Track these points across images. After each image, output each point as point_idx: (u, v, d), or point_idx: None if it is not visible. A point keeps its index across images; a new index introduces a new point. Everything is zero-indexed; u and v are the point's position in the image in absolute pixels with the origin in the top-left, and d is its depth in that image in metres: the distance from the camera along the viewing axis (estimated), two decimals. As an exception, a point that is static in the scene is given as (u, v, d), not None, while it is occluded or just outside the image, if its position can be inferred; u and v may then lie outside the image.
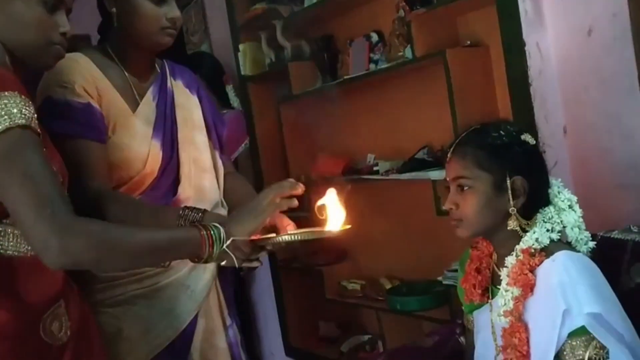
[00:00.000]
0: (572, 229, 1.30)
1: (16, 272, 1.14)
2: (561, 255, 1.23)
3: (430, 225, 2.36)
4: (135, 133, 1.51)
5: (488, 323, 1.35)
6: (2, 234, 1.14)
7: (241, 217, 1.30)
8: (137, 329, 1.50)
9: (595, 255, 1.30)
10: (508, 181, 1.28)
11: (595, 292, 1.18)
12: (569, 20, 1.82)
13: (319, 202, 1.34)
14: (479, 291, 1.39)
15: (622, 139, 1.75)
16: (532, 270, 1.25)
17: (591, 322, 1.15)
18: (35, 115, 1.11)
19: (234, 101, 3.02)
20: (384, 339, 2.58)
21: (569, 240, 1.31)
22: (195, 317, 1.58)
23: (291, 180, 1.37)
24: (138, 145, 1.51)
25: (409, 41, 2.18)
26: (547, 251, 1.26)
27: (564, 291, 1.18)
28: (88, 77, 1.47)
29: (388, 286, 2.60)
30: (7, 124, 1.05)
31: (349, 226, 1.32)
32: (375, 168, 2.48)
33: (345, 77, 2.55)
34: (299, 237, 1.31)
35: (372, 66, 2.49)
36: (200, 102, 1.70)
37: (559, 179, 1.36)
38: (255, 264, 1.34)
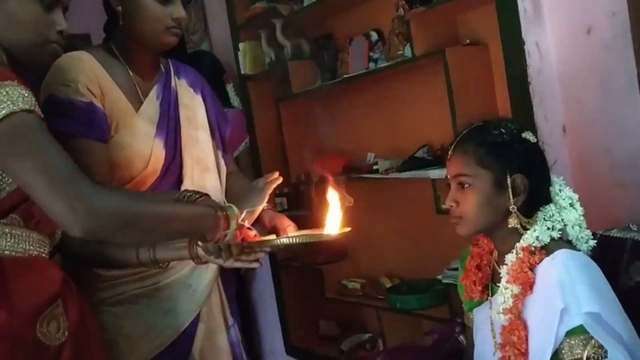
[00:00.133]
0: (572, 227, 1.30)
1: (13, 272, 1.14)
2: (561, 254, 1.23)
3: (430, 224, 2.37)
4: (138, 132, 1.51)
5: (487, 320, 1.36)
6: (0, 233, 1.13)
7: (245, 198, 1.35)
8: (138, 328, 1.50)
9: (595, 254, 1.30)
10: (508, 179, 1.28)
11: (595, 291, 1.18)
12: (569, 19, 1.82)
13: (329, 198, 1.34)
14: (479, 288, 1.39)
15: (621, 138, 1.75)
16: (532, 268, 1.25)
17: (589, 322, 1.15)
18: (37, 105, 1.12)
19: (234, 100, 3.03)
20: (384, 337, 2.58)
21: (570, 238, 1.31)
22: (197, 316, 1.57)
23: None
24: (140, 144, 1.51)
25: (408, 40, 2.18)
26: (547, 249, 1.26)
27: (563, 290, 1.18)
28: (91, 76, 1.47)
29: (388, 285, 2.61)
30: (10, 108, 1.05)
31: (348, 229, 1.32)
32: (375, 167, 2.48)
33: (345, 75, 2.55)
34: (298, 240, 1.31)
35: (372, 65, 2.49)
36: (204, 101, 1.70)
37: (561, 177, 1.36)
38: (254, 264, 1.34)
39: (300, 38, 2.80)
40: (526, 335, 1.23)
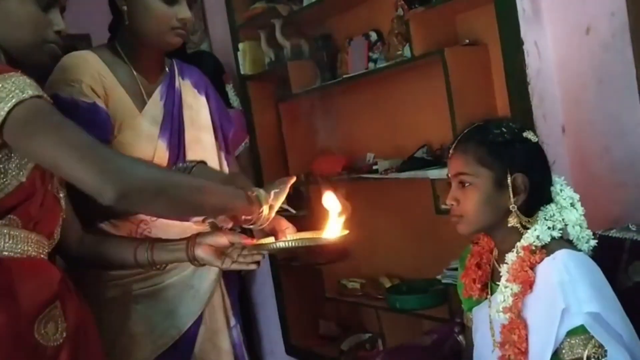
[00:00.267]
0: (573, 227, 1.30)
1: (11, 273, 1.13)
2: (562, 254, 1.23)
3: (429, 224, 2.37)
4: (141, 133, 1.51)
5: (487, 319, 1.36)
6: None
7: (268, 187, 1.34)
8: (141, 328, 1.50)
9: (593, 254, 1.30)
10: (509, 178, 1.28)
11: (595, 291, 1.18)
12: (567, 19, 1.82)
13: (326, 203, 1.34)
14: (479, 286, 1.39)
15: (620, 138, 1.75)
16: (532, 268, 1.25)
17: (590, 322, 1.16)
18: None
19: (234, 100, 3.03)
20: (383, 337, 2.58)
21: (571, 238, 1.31)
22: (199, 317, 1.58)
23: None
24: (144, 145, 1.51)
25: (407, 40, 2.18)
26: (547, 249, 1.26)
27: (564, 290, 1.18)
28: (96, 76, 1.47)
29: (388, 285, 2.61)
30: (20, 96, 1.05)
31: (346, 232, 1.32)
32: (374, 167, 2.48)
33: (345, 76, 2.55)
34: (296, 244, 1.31)
35: (371, 65, 2.49)
36: (208, 101, 1.70)
37: (562, 177, 1.36)
38: (251, 267, 1.34)
39: (299, 38, 2.80)
40: (526, 334, 1.23)
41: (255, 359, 3.31)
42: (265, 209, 1.28)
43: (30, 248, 1.18)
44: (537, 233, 1.27)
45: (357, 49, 2.59)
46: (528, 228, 1.29)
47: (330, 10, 2.64)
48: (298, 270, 2.99)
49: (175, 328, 1.53)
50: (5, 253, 1.14)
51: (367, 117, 2.69)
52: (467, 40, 2.15)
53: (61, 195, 1.28)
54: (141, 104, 1.53)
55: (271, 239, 1.37)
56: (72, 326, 1.18)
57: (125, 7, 1.48)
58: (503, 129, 1.32)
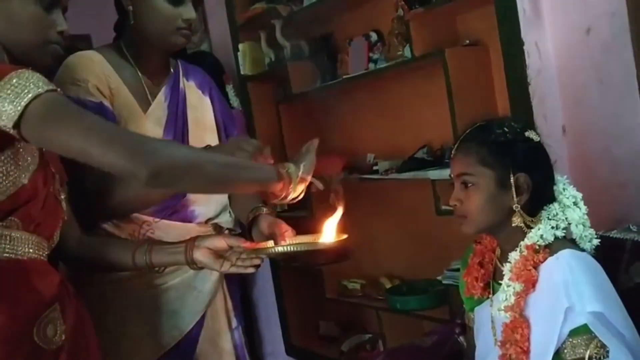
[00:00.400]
0: (576, 226, 1.30)
1: (11, 275, 1.13)
2: (565, 254, 1.23)
3: (429, 224, 2.37)
4: (145, 133, 1.50)
5: (488, 319, 1.36)
6: None
7: (296, 159, 1.33)
8: (143, 329, 1.50)
9: (595, 254, 1.30)
10: (512, 178, 1.28)
11: (598, 291, 1.18)
12: (568, 20, 1.81)
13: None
14: (481, 284, 1.39)
15: (620, 138, 1.75)
16: (536, 267, 1.25)
17: (593, 321, 1.16)
18: None
19: (234, 101, 3.02)
20: (384, 338, 2.58)
21: (574, 237, 1.31)
22: (202, 318, 1.58)
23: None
24: None
25: (408, 40, 2.18)
26: (551, 248, 1.26)
27: (567, 289, 1.18)
28: (101, 76, 1.47)
29: (388, 285, 2.61)
30: (36, 91, 1.05)
31: (344, 236, 1.31)
32: (374, 167, 2.48)
33: (345, 76, 2.55)
34: (295, 249, 1.31)
35: (372, 65, 2.48)
36: (212, 102, 1.70)
37: (565, 176, 1.36)
38: (249, 270, 1.34)
39: (299, 39, 2.80)
40: (529, 334, 1.23)
41: (256, 359, 3.30)
42: (295, 183, 1.28)
43: (30, 250, 1.17)
44: (540, 232, 1.27)
45: (357, 50, 2.58)
46: (531, 227, 1.29)
47: (330, 10, 2.64)
48: (298, 271, 2.99)
49: (178, 329, 1.53)
50: (6, 255, 1.14)
51: (367, 118, 2.69)
52: (468, 41, 2.15)
53: (62, 197, 1.27)
54: (146, 105, 1.53)
55: (270, 243, 1.37)
56: (70, 329, 1.18)
57: (130, 7, 1.48)
58: (505, 129, 1.32)
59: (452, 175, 1.37)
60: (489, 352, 1.34)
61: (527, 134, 1.32)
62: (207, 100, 1.68)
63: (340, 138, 2.77)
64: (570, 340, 1.18)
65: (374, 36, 2.52)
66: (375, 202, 2.60)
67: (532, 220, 1.30)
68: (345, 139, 2.77)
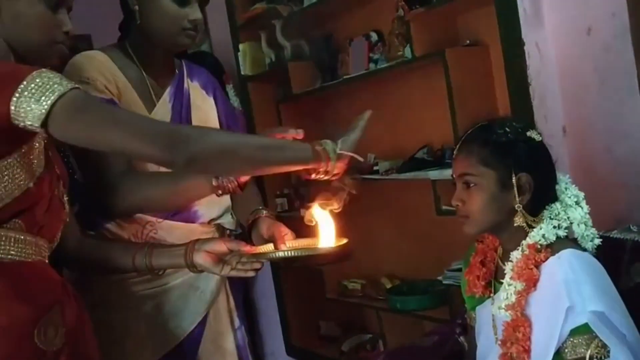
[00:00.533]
0: (578, 225, 1.31)
1: (15, 277, 1.13)
2: (567, 253, 1.23)
3: (430, 224, 2.37)
4: None
5: (489, 318, 1.36)
6: (3, 238, 1.12)
7: (342, 135, 1.35)
8: (146, 329, 1.50)
9: (596, 254, 1.30)
10: (513, 178, 1.28)
11: (600, 290, 1.19)
12: (568, 20, 1.81)
13: (311, 214, 1.33)
14: (482, 283, 1.39)
15: (621, 138, 1.75)
16: (537, 266, 1.25)
17: (594, 320, 1.16)
18: None
19: (234, 101, 3.02)
20: (384, 338, 2.58)
21: (575, 236, 1.32)
22: (204, 318, 1.57)
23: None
24: None
25: (408, 41, 2.18)
26: (553, 248, 1.26)
27: (569, 288, 1.18)
28: (108, 75, 1.47)
29: (388, 285, 2.61)
30: (61, 90, 1.06)
31: (344, 241, 1.31)
32: (375, 167, 2.47)
33: (345, 76, 2.55)
34: (295, 254, 1.31)
35: (372, 66, 2.48)
36: (216, 103, 1.69)
37: (567, 175, 1.36)
38: (249, 274, 1.34)
39: (300, 39, 2.80)
40: (530, 332, 1.23)
41: (256, 359, 3.31)
42: (332, 164, 1.27)
43: (33, 252, 1.17)
44: (542, 232, 1.27)
45: (357, 50, 2.58)
46: (533, 227, 1.29)
47: (330, 10, 2.64)
48: (299, 271, 2.99)
49: (181, 329, 1.53)
50: (10, 257, 1.13)
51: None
52: (468, 41, 2.15)
53: (65, 198, 1.27)
54: (150, 105, 1.53)
55: (270, 246, 1.37)
56: (70, 331, 1.17)
57: (136, 7, 1.47)
58: (507, 129, 1.32)
59: (454, 176, 1.37)
60: (490, 351, 1.35)
61: (528, 133, 1.32)
62: (211, 100, 1.68)
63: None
64: (571, 339, 1.18)
65: (374, 36, 2.52)
66: (375, 202, 2.60)
67: (534, 220, 1.30)
68: (346, 139, 2.76)
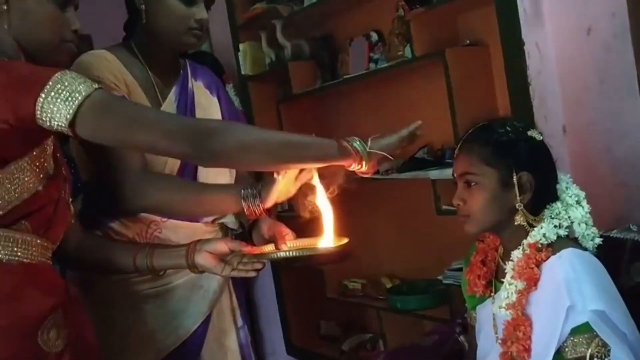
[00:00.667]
0: (579, 224, 1.31)
1: (20, 278, 1.13)
2: (567, 252, 1.23)
3: (430, 224, 2.37)
4: None
5: (490, 318, 1.36)
6: (10, 240, 1.12)
7: (378, 138, 1.35)
8: (149, 328, 1.50)
9: (597, 253, 1.31)
10: (514, 177, 1.29)
11: (600, 290, 1.19)
12: (568, 20, 1.81)
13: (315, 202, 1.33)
14: (483, 282, 1.40)
15: (621, 138, 1.75)
16: (538, 265, 1.25)
17: (595, 319, 1.16)
18: None
19: (234, 101, 3.02)
20: (384, 337, 2.58)
21: (576, 236, 1.32)
22: (208, 317, 1.57)
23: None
24: None
25: (408, 40, 2.18)
26: (553, 247, 1.27)
27: (569, 287, 1.18)
28: (117, 74, 1.47)
29: (388, 285, 2.61)
30: (87, 90, 1.08)
31: (345, 240, 1.31)
32: (375, 167, 2.47)
33: (345, 76, 2.56)
34: (296, 254, 1.31)
35: (372, 65, 2.49)
36: (220, 102, 1.69)
37: (568, 175, 1.37)
38: (250, 274, 1.34)
39: (300, 39, 2.80)
40: (531, 332, 1.23)
41: (257, 359, 3.31)
42: (364, 162, 1.29)
43: (38, 253, 1.17)
44: (543, 231, 1.28)
45: (357, 50, 2.59)
46: (534, 226, 1.30)
47: (330, 10, 2.65)
48: (299, 271, 2.99)
49: (184, 328, 1.53)
50: (16, 258, 1.13)
51: (367, 118, 2.69)
52: (468, 41, 2.15)
53: (71, 200, 1.27)
54: (156, 104, 1.53)
55: (271, 247, 1.37)
56: (72, 333, 1.17)
57: (143, 6, 1.47)
58: (507, 128, 1.32)
59: (454, 175, 1.37)
60: (491, 350, 1.35)
61: (529, 133, 1.33)
62: (215, 100, 1.68)
63: (341, 138, 2.77)
64: (572, 338, 1.18)
65: (374, 36, 2.53)
66: (375, 202, 2.61)
67: (535, 219, 1.30)
68: (346, 139, 2.77)
